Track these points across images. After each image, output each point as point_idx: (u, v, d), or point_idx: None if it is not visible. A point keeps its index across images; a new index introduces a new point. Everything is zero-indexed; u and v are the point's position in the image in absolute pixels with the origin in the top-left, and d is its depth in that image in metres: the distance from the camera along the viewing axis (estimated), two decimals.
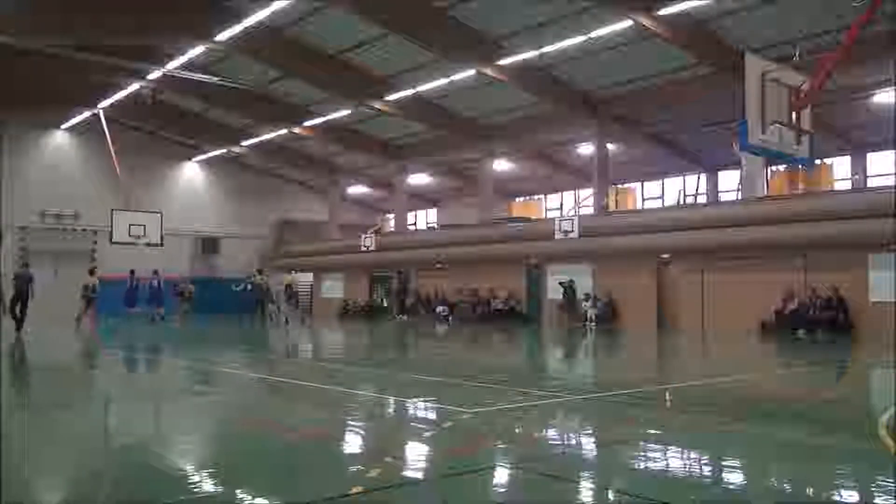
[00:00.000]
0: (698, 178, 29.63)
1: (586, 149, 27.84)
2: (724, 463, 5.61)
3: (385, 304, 33.18)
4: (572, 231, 23.44)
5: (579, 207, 30.75)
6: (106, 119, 27.46)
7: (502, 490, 4.86)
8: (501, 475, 5.14)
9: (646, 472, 5.25)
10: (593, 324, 23.28)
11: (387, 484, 4.76)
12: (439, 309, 28.19)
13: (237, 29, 21.14)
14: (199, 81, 25.31)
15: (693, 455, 5.89)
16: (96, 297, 21.85)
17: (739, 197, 24.38)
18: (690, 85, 22.01)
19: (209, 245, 35.90)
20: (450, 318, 27.42)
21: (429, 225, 39.63)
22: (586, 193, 29.93)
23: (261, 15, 20.36)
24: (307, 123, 29.70)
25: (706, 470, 5.52)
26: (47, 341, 17.64)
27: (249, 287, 24.52)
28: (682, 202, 27.87)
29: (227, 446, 6.31)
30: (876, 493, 4.77)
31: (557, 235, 23.74)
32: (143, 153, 32.89)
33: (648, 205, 31.30)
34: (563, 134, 28.09)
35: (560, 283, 24.64)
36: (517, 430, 6.78)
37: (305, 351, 16.99)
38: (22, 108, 29.46)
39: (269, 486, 4.69)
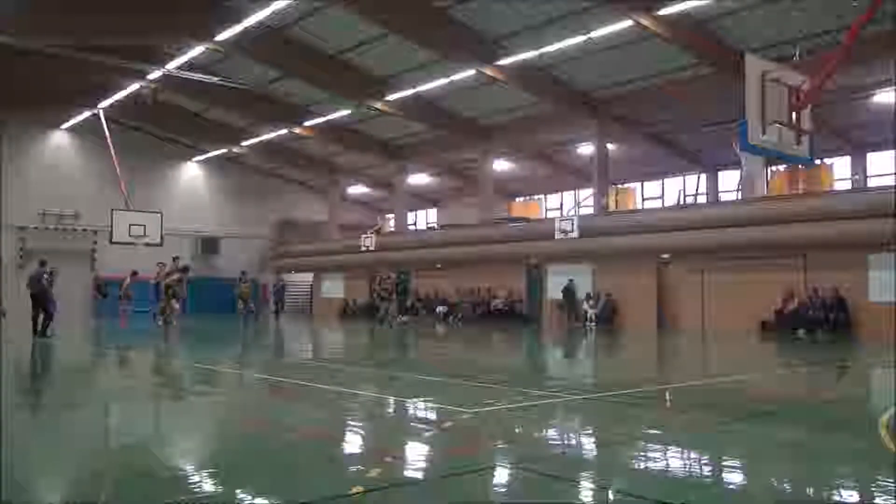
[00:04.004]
0: (698, 178, 29.62)
1: (586, 149, 27.84)
2: (724, 463, 5.61)
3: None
4: (572, 231, 23.45)
5: (579, 207, 30.74)
6: (106, 119, 27.44)
7: (502, 490, 4.85)
8: (501, 475, 5.13)
9: (646, 472, 5.25)
10: (593, 324, 23.29)
11: (387, 484, 4.76)
12: (439, 309, 28.19)
13: (237, 29, 21.14)
14: (199, 81, 25.31)
15: (693, 455, 5.88)
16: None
17: (739, 197, 24.37)
18: (690, 85, 22.00)
19: (209, 245, 35.89)
20: (449, 319, 27.42)
21: (429, 225, 39.62)
22: (586, 193, 29.92)
23: (261, 15, 20.35)
24: (307, 123, 29.70)
25: (706, 470, 5.52)
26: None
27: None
28: (682, 202, 27.86)
29: (227, 446, 6.31)
30: (876, 493, 4.77)
31: (557, 235, 23.74)
32: (143, 153, 32.90)
33: (648, 205, 31.30)
34: (563, 134, 28.10)
35: (564, 290, 24.75)
36: (517, 430, 6.78)
37: (307, 351, 16.99)
38: (22, 108, 29.46)
39: (269, 486, 4.69)
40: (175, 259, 23.04)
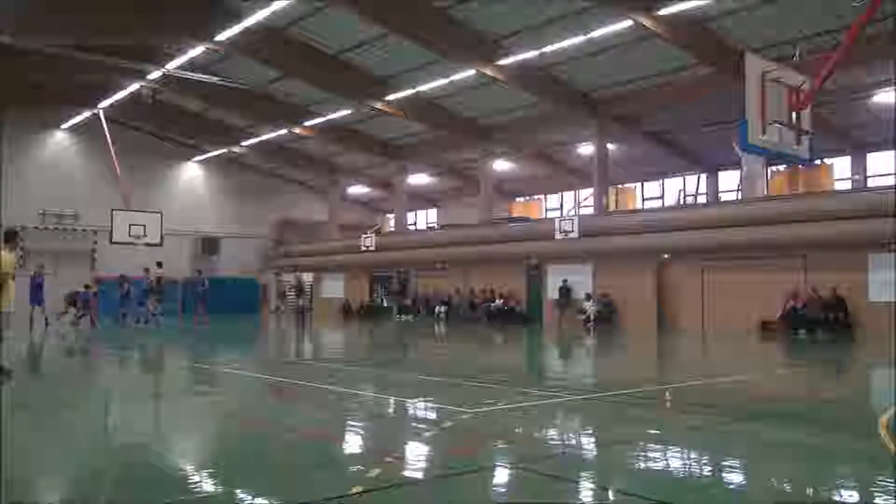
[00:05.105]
0: (698, 178, 29.62)
1: (586, 149, 27.82)
2: (724, 463, 5.61)
3: (385, 304, 33.22)
4: (572, 231, 23.45)
5: (579, 207, 30.76)
6: (106, 119, 27.43)
7: (502, 490, 4.86)
8: (501, 475, 5.14)
9: (646, 472, 5.25)
10: (592, 323, 23.28)
11: (387, 484, 4.76)
12: (438, 309, 28.18)
13: (237, 29, 21.14)
14: (199, 81, 25.31)
15: (693, 455, 5.89)
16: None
17: (739, 197, 24.37)
18: (690, 85, 22.00)
19: (209, 245, 35.89)
20: (449, 318, 27.39)
21: (429, 225, 39.61)
22: (586, 193, 29.92)
23: (261, 15, 20.35)
24: (307, 123, 29.70)
25: (706, 470, 5.52)
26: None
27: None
28: (682, 202, 27.84)
29: (227, 446, 6.31)
30: (876, 493, 4.77)
31: (557, 235, 23.75)
32: (143, 153, 32.90)
33: (648, 205, 31.29)
34: (563, 134, 28.09)
35: (559, 290, 24.76)
36: (517, 430, 6.78)
37: (306, 351, 16.99)
38: (22, 108, 29.45)
39: (269, 486, 4.69)
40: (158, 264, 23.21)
